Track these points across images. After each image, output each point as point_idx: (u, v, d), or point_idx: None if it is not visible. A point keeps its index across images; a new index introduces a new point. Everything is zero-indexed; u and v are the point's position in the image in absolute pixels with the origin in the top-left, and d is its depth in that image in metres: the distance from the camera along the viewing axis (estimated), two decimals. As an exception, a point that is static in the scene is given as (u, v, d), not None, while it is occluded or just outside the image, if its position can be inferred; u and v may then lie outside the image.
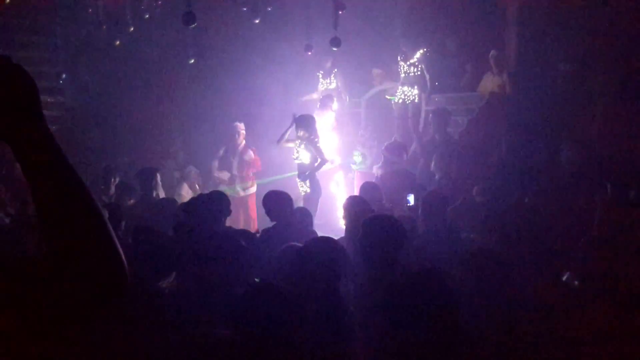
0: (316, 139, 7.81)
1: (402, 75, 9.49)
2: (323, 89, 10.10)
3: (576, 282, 3.62)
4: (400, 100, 9.53)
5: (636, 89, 7.59)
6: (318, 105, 9.34)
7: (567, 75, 8.39)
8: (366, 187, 5.98)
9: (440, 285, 2.52)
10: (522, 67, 8.97)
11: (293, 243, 3.78)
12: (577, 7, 8.14)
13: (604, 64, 7.97)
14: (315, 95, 10.21)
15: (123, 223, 5.07)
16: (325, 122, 8.98)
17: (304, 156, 7.80)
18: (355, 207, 4.87)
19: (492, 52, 9.05)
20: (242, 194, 8.65)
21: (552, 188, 6.50)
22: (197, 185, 8.64)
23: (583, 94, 8.21)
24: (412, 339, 2.44)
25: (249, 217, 8.49)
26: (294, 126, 7.81)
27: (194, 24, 7.59)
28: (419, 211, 5.16)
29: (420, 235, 4.90)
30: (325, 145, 8.29)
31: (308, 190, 7.80)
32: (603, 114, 8.00)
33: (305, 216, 5.07)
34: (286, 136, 7.94)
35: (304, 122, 7.75)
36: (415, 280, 2.54)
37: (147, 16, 10.11)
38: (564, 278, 3.73)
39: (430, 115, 8.63)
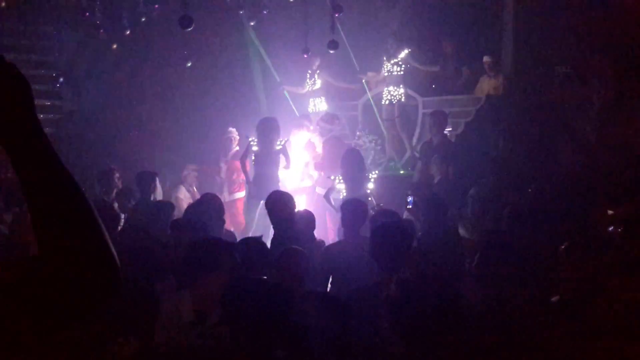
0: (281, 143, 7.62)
1: (386, 74, 9.50)
2: (308, 89, 10.08)
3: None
4: (387, 102, 9.53)
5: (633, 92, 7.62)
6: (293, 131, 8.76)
7: (563, 77, 8.42)
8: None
9: (445, 285, 2.57)
10: (519, 69, 9.01)
11: (294, 247, 3.78)
12: (574, 8, 8.18)
13: (600, 65, 7.99)
14: (301, 91, 10.15)
15: (120, 224, 5.05)
16: (299, 142, 8.60)
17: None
18: (354, 211, 4.87)
19: (485, 57, 9.09)
20: (227, 198, 8.46)
21: (549, 190, 6.51)
22: (194, 188, 8.61)
23: (580, 96, 8.23)
24: (420, 333, 2.49)
25: (237, 221, 8.23)
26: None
27: (190, 27, 7.59)
28: (421, 216, 5.21)
29: (421, 238, 4.92)
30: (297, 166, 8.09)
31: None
32: (600, 116, 8.02)
33: (309, 219, 5.05)
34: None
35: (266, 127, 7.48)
36: (423, 280, 2.59)
37: (144, 19, 10.13)
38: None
39: (428, 117, 8.64)
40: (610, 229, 4.70)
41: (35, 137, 1.03)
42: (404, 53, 9.36)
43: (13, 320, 0.93)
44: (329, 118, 8.66)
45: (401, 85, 9.37)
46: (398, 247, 3.49)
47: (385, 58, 9.47)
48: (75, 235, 1.00)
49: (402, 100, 9.40)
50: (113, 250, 1.03)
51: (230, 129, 9.10)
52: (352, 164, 6.72)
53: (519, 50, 9.03)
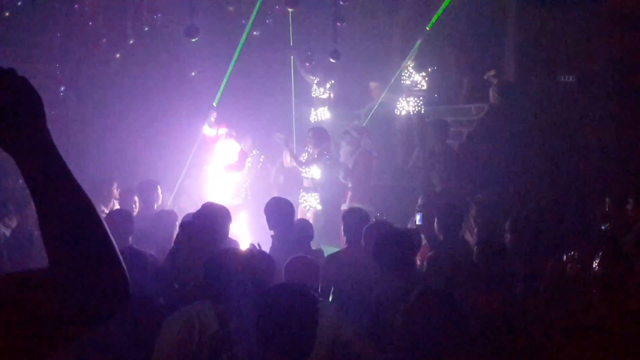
0: (327, 154, 7.78)
1: (409, 83, 9.54)
2: (314, 96, 10.10)
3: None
4: (404, 112, 9.54)
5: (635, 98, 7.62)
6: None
7: (566, 86, 8.42)
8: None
9: (450, 304, 2.57)
10: (521, 78, 9.01)
11: (301, 254, 3.77)
12: (575, 18, 8.20)
13: (603, 74, 7.99)
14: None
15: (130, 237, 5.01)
16: (227, 154, 7.81)
17: (314, 172, 7.81)
18: (356, 219, 4.87)
19: (487, 73, 9.09)
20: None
21: (552, 198, 6.50)
22: (195, 197, 8.58)
23: (583, 105, 8.23)
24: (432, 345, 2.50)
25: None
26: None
27: (197, 37, 7.62)
28: (435, 224, 5.13)
29: (438, 247, 4.90)
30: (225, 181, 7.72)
31: (318, 207, 7.77)
32: (602, 124, 8.02)
33: (306, 228, 5.04)
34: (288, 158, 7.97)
35: (316, 136, 7.74)
36: (425, 299, 2.58)
37: (147, 29, 10.17)
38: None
39: (430, 126, 8.64)
40: (604, 227, 4.71)
41: (46, 151, 1.04)
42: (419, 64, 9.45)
43: (22, 331, 0.94)
44: (359, 129, 8.52)
45: (421, 97, 9.41)
46: (407, 254, 3.55)
47: (406, 69, 9.54)
48: (86, 249, 1.00)
49: (422, 112, 9.41)
50: (123, 263, 1.04)
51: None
52: None
53: (521, 60, 9.03)
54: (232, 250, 3.44)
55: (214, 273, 3.14)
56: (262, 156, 8.51)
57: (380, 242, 3.67)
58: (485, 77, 9.00)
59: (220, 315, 3.01)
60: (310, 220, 7.34)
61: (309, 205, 7.82)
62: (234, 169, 7.78)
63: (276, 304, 2.37)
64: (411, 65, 9.51)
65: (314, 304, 2.44)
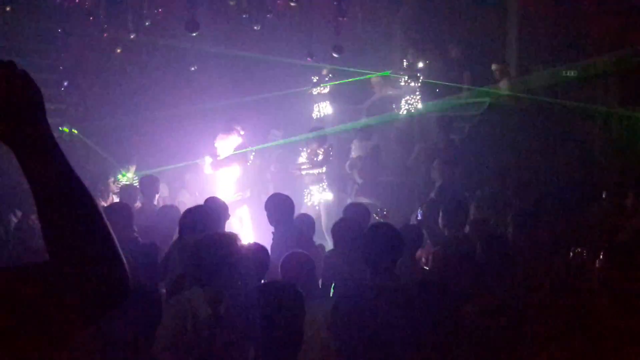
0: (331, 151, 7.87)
1: (402, 84, 9.47)
2: (316, 93, 10.09)
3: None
4: (406, 111, 9.48)
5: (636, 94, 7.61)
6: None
7: (568, 81, 8.41)
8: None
9: (442, 295, 2.58)
10: (523, 73, 8.99)
11: (297, 250, 3.77)
12: (578, 14, 8.18)
13: (604, 70, 7.98)
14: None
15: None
16: (228, 148, 7.58)
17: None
18: (356, 215, 4.87)
19: (493, 65, 9.05)
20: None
21: (552, 194, 6.49)
22: (197, 192, 8.59)
23: (584, 100, 8.22)
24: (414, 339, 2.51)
25: None
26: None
27: (197, 31, 7.62)
28: (440, 219, 5.10)
29: (443, 242, 4.89)
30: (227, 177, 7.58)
31: (329, 197, 7.74)
32: (603, 119, 8.01)
33: (307, 223, 5.05)
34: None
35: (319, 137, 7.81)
36: (420, 289, 2.60)
37: (148, 23, 10.14)
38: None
39: (433, 122, 8.62)
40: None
41: (46, 144, 1.04)
42: (423, 63, 9.37)
43: (23, 326, 0.94)
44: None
45: (417, 93, 9.35)
46: (390, 248, 3.40)
47: (406, 67, 9.47)
48: (86, 242, 1.01)
49: (419, 107, 9.35)
50: (123, 257, 1.04)
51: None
52: None
53: (523, 55, 9.01)
54: (213, 235, 3.44)
55: (199, 258, 3.18)
56: (253, 154, 8.40)
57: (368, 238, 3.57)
58: (493, 68, 8.93)
59: (211, 299, 3.08)
60: (322, 214, 7.38)
61: (318, 199, 7.76)
62: (223, 165, 7.61)
63: (262, 300, 2.48)
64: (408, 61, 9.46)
65: (299, 301, 2.52)
